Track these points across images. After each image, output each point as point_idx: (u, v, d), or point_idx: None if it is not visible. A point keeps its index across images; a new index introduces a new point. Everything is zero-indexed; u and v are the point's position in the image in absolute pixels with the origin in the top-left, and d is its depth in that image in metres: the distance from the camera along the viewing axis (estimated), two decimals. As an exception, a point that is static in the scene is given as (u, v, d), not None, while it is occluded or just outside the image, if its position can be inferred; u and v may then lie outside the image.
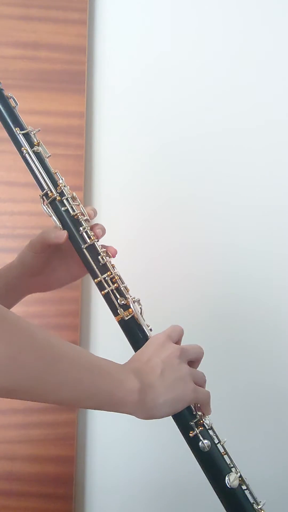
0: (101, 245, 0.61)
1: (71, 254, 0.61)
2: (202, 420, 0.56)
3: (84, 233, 0.59)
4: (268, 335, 1.02)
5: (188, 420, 0.55)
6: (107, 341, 1.00)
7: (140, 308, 0.59)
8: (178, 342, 0.57)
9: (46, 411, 0.95)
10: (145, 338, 0.57)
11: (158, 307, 1.00)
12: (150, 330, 0.59)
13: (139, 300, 0.60)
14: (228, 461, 0.56)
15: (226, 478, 0.54)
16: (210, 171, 1.03)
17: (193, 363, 0.57)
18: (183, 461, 0.99)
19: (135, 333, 0.58)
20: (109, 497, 0.99)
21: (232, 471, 0.55)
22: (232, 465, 0.56)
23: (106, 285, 0.59)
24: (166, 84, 1.04)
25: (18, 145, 0.61)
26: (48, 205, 0.60)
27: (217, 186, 1.03)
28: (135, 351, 0.57)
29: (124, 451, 0.99)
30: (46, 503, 0.95)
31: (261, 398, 1.01)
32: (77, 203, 0.61)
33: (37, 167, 0.60)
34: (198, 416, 0.56)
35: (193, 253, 1.02)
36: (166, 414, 0.52)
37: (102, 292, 0.59)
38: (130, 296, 0.59)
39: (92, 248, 0.59)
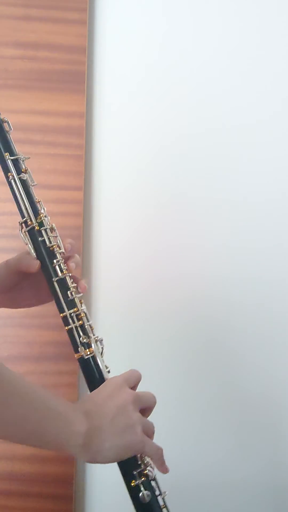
0: (73, 278, 0.61)
1: (42, 280, 0.61)
2: (145, 470, 0.55)
3: (57, 266, 0.60)
4: (268, 343, 1.02)
5: (132, 469, 0.55)
6: (107, 341, 0.99)
7: (102, 348, 0.60)
8: (134, 387, 0.57)
9: (46, 411, 0.95)
10: (102, 379, 0.57)
11: (155, 306, 1.00)
12: (108, 372, 0.59)
13: (101, 340, 0.60)
14: None
15: None
16: (211, 171, 1.03)
17: (145, 411, 0.56)
18: (183, 462, 0.99)
19: (92, 373, 0.58)
20: (109, 497, 0.99)
21: None
22: None
23: (70, 321, 0.59)
24: (166, 84, 1.03)
25: (6, 170, 0.61)
26: (26, 233, 0.61)
27: (218, 186, 1.03)
28: (90, 390, 0.57)
29: (124, 451, 0.99)
30: (46, 503, 0.95)
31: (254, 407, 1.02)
32: (55, 235, 0.62)
33: (20, 194, 0.61)
34: (142, 466, 0.55)
35: (193, 253, 1.02)
36: (110, 460, 0.51)
37: (66, 328, 0.59)
38: (93, 336, 0.59)
39: (62, 282, 0.60)
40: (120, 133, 1.02)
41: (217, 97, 1.04)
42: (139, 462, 0.55)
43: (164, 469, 0.56)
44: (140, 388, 1.00)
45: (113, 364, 0.98)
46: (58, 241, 0.62)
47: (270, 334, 1.02)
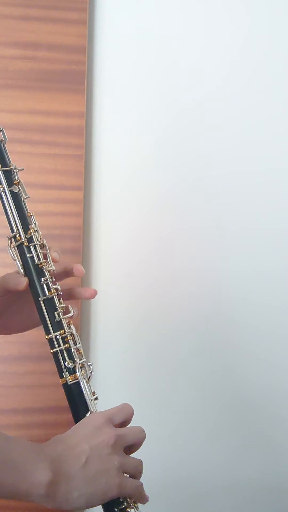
0: (63, 291, 0.58)
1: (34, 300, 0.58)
2: (128, 508, 0.53)
3: (45, 285, 0.56)
4: (271, 341, 1.02)
5: (114, 506, 0.52)
6: (108, 341, 1.00)
7: (91, 372, 0.56)
8: (124, 423, 0.53)
9: (47, 411, 0.95)
10: (86, 407, 0.54)
11: (156, 305, 1.00)
12: (96, 398, 0.56)
13: (90, 365, 0.56)
14: None
15: None
16: (211, 171, 1.03)
17: (132, 447, 0.53)
18: (184, 462, 0.99)
19: (76, 401, 0.54)
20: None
21: None
22: None
23: (56, 343, 0.56)
24: (166, 84, 1.03)
25: None
26: (14, 248, 0.57)
27: (218, 185, 1.03)
28: (74, 418, 0.54)
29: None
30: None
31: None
32: (45, 252, 0.58)
33: (10, 207, 0.57)
34: (125, 503, 0.52)
35: (193, 252, 1.02)
36: (80, 508, 0.48)
37: (51, 351, 0.56)
38: (79, 360, 0.56)
39: (50, 302, 0.56)
40: (120, 133, 1.02)
41: (218, 97, 1.04)
42: (121, 499, 0.52)
43: (142, 501, 0.53)
44: (141, 388, 1.01)
45: (112, 364, 0.99)
46: (48, 258, 0.58)
47: (271, 330, 1.02)
